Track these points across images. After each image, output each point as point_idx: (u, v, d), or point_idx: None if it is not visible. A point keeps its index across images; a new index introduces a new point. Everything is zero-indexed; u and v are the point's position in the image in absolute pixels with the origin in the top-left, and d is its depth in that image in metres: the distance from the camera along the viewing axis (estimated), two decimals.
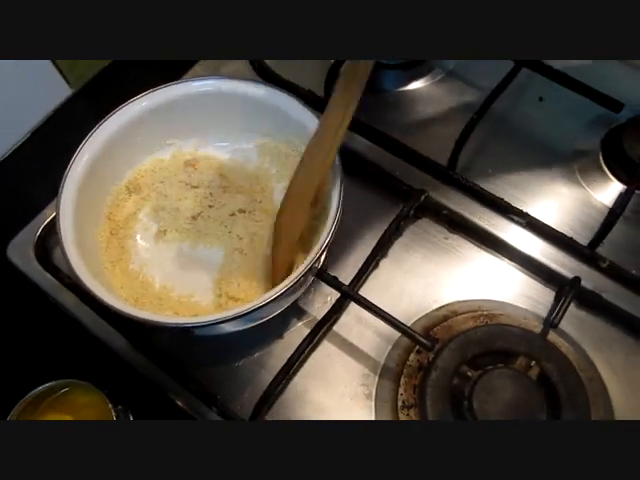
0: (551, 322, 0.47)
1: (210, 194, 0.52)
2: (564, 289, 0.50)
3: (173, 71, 0.64)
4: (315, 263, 0.42)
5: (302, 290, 0.49)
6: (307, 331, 0.50)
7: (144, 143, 0.52)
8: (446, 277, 0.53)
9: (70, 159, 0.47)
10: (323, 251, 0.42)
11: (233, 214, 0.51)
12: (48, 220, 0.55)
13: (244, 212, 0.51)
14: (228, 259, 0.50)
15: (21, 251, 0.54)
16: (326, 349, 0.51)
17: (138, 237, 0.52)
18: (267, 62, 0.63)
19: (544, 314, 0.51)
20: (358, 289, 0.51)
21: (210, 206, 0.52)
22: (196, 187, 0.53)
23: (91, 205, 0.49)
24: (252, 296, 0.45)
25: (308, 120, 0.49)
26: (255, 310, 0.40)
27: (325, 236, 0.42)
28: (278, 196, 0.51)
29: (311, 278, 0.48)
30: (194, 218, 0.52)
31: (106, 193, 0.51)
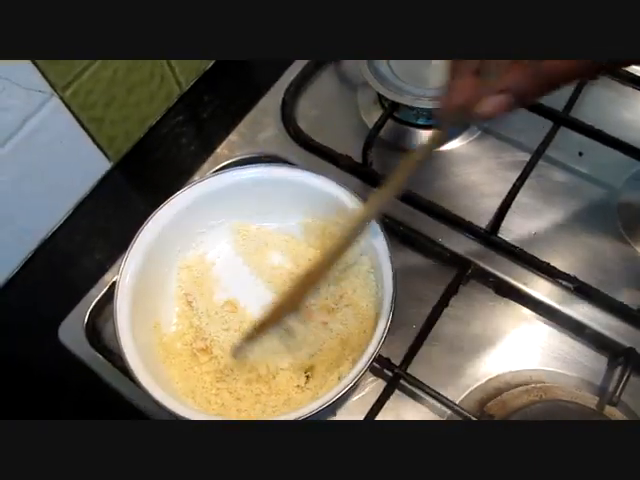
0: (610, 400, 0.47)
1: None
2: (618, 359, 0.50)
3: (205, 144, 0.65)
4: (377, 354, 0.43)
5: None
6: (359, 407, 0.50)
7: (191, 228, 0.53)
8: (494, 345, 0.53)
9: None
10: (381, 345, 0.43)
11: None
12: (96, 300, 0.56)
13: None
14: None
15: (72, 333, 0.55)
16: None
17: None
18: (303, 127, 0.63)
19: (597, 382, 0.51)
20: (408, 366, 0.51)
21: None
22: None
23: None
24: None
25: (347, 200, 0.50)
26: (325, 407, 0.41)
27: (382, 328, 0.44)
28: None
29: None
30: None
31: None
